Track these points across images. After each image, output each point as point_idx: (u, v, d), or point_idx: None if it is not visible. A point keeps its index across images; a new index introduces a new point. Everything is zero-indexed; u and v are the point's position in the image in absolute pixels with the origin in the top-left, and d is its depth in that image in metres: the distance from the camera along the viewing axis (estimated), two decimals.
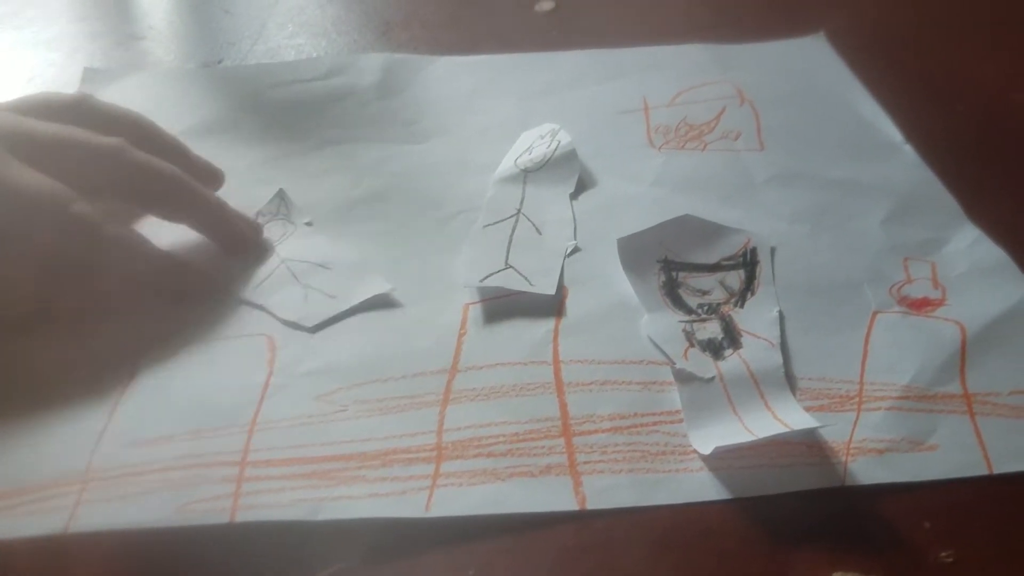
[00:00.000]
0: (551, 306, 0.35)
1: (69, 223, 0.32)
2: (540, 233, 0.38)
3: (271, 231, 0.38)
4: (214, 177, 0.39)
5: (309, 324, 0.34)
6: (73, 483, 0.28)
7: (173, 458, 0.29)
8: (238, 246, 0.37)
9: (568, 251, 0.37)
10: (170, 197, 0.36)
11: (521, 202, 0.40)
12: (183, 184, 0.36)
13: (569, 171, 0.41)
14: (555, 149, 0.42)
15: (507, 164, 0.42)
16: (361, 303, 0.34)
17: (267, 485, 0.28)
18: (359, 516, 0.27)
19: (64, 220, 0.32)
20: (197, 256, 0.36)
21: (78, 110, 0.36)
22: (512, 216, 0.39)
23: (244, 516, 0.27)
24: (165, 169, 0.35)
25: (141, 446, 0.29)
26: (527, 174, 0.41)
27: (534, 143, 0.43)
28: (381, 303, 0.35)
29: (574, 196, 0.40)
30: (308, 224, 0.38)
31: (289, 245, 0.37)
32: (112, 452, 0.29)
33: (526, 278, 0.35)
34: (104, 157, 0.34)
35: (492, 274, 0.36)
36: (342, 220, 0.39)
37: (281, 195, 0.39)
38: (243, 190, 0.39)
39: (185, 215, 0.36)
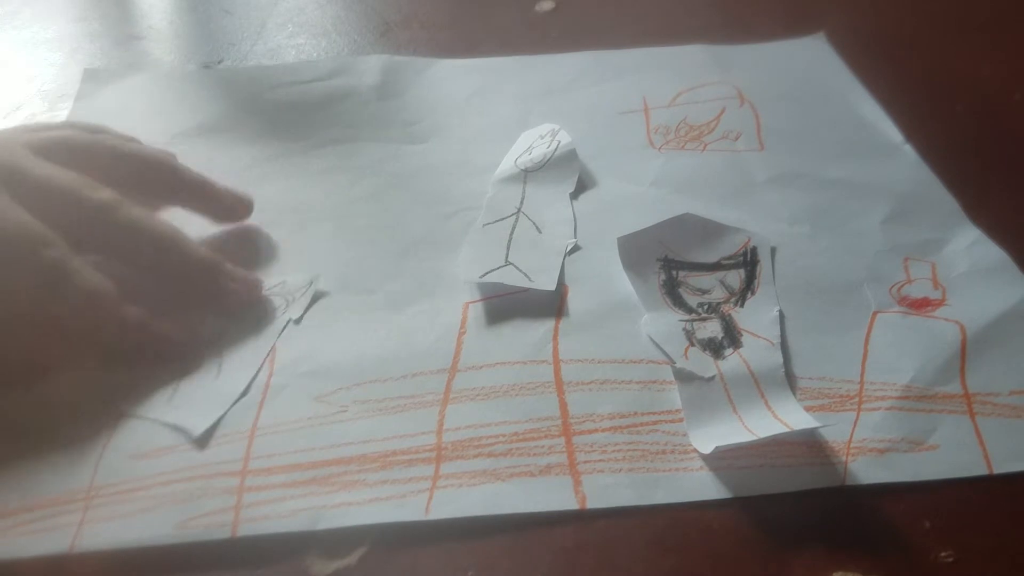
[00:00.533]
0: (551, 305, 0.35)
1: (39, 267, 0.31)
2: (540, 232, 0.38)
3: (275, 301, 0.35)
4: (242, 208, 0.39)
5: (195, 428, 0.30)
6: (78, 500, 0.28)
7: (175, 470, 0.29)
8: (233, 309, 0.35)
9: (568, 249, 0.37)
10: (162, 262, 0.34)
11: (521, 201, 0.40)
12: (181, 246, 0.35)
13: (569, 171, 0.41)
14: (555, 149, 0.42)
15: (507, 164, 0.42)
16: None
17: (268, 495, 0.28)
18: (359, 523, 0.27)
19: (34, 263, 0.31)
20: (176, 312, 0.34)
21: (93, 152, 0.36)
22: (512, 215, 0.39)
23: (245, 530, 0.27)
24: (158, 229, 0.34)
25: (143, 458, 0.29)
26: (527, 174, 0.41)
27: (534, 143, 0.43)
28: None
29: (574, 196, 0.40)
30: (296, 321, 0.34)
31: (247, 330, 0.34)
32: (115, 465, 0.29)
33: (526, 275, 0.35)
34: (96, 212, 0.33)
35: (492, 270, 0.36)
36: (342, 220, 0.39)
37: (311, 282, 0.36)
38: (245, 189, 0.39)
39: (181, 279, 0.35)
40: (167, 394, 0.31)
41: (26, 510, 0.27)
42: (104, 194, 0.33)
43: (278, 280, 0.36)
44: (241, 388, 0.31)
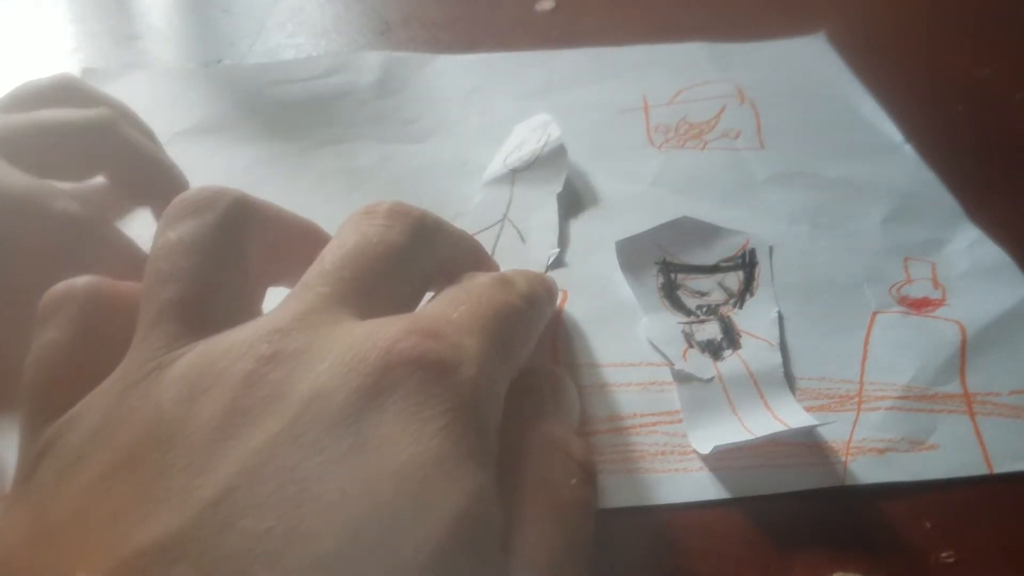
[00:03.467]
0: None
1: (52, 221, 0.30)
2: (524, 241, 0.38)
3: None
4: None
5: None
6: None
7: None
8: None
9: (550, 260, 0.37)
10: (156, 181, 0.34)
11: (508, 206, 0.39)
12: (170, 171, 0.35)
13: (557, 169, 0.41)
14: (544, 145, 0.42)
15: (496, 165, 0.42)
16: None
17: None
18: None
19: (46, 218, 0.30)
20: None
21: (63, 92, 0.35)
22: (498, 223, 0.39)
23: None
24: (151, 151, 0.35)
25: None
26: (515, 175, 0.41)
27: (526, 138, 0.43)
28: None
29: (565, 196, 0.40)
30: None
31: None
32: None
33: None
34: (90, 130, 0.33)
35: None
36: (341, 219, 0.39)
37: None
38: (244, 190, 0.39)
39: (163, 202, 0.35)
40: None
41: None
42: (98, 110, 0.33)
43: None
44: None
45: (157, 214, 0.36)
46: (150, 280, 0.22)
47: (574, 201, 0.40)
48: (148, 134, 0.38)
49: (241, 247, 0.24)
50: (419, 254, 0.25)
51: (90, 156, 0.33)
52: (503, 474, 0.20)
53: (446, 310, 0.23)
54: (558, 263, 0.37)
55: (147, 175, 0.35)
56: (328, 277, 0.23)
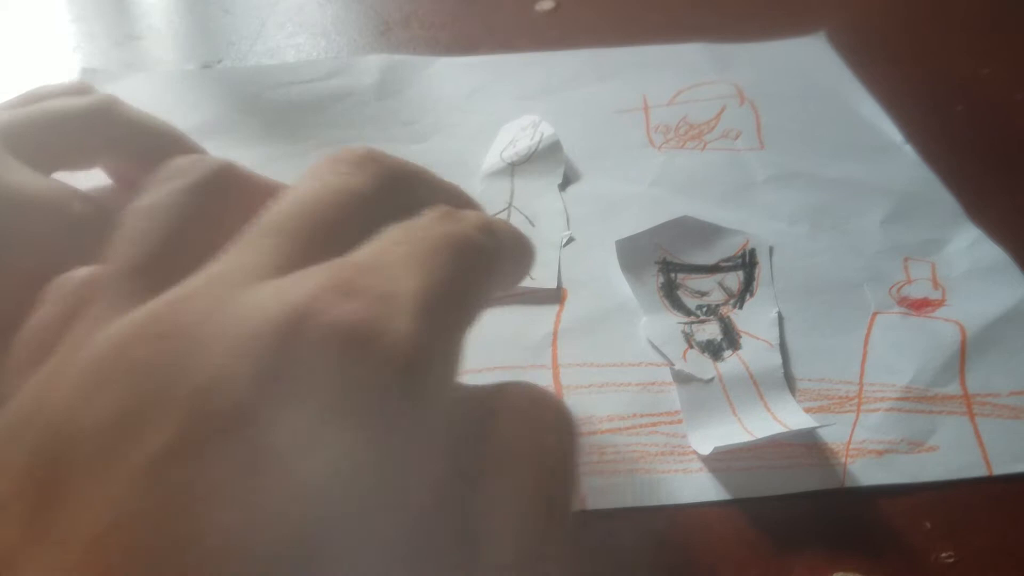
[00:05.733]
0: (549, 309, 0.35)
1: (73, 225, 0.30)
2: (533, 225, 0.38)
3: None
4: None
5: None
6: None
7: None
8: None
9: (564, 242, 0.37)
10: (165, 151, 0.34)
11: (511, 196, 0.40)
12: (176, 138, 0.34)
13: (555, 162, 0.41)
14: (539, 141, 0.42)
15: (492, 159, 0.42)
16: None
17: None
18: None
19: (67, 223, 0.30)
20: None
21: (73, 90, 0.34)
22: (504, 210, 0.39)
23: None
24: (156, 123, 0.34)
25: None
26: (514, 167, 0.41)
27: (516, 136, 0.43)
28: None
29: (565, 189, 0.40)
30: None
31: None
32: None
33: None
34: (93, 112, 0.32)
35: None
36: None
37: None
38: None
39: None
40: None
41: None
42: (98, 95, 0.33)
43: None
44: None
45: None
46: (109, 247, 0.19)
47: (574, 201, 0.40)
48: (194, 148, 0.37)
49: (213, 213, 0.20)
50: (390, 205, 0.20)
51: (95, 138, 0.32)
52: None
53: (380, 251, 0.18)
54: (570, 243, 0.37)
55: (157, 148, 0.34)
56: (267, 229, 0.18)
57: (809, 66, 0.50)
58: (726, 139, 0.44)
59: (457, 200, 0.24)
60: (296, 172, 0.44)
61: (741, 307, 0.34)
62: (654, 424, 0.30)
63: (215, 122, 0.46)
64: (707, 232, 0.37)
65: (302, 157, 0.43)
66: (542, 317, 0.34)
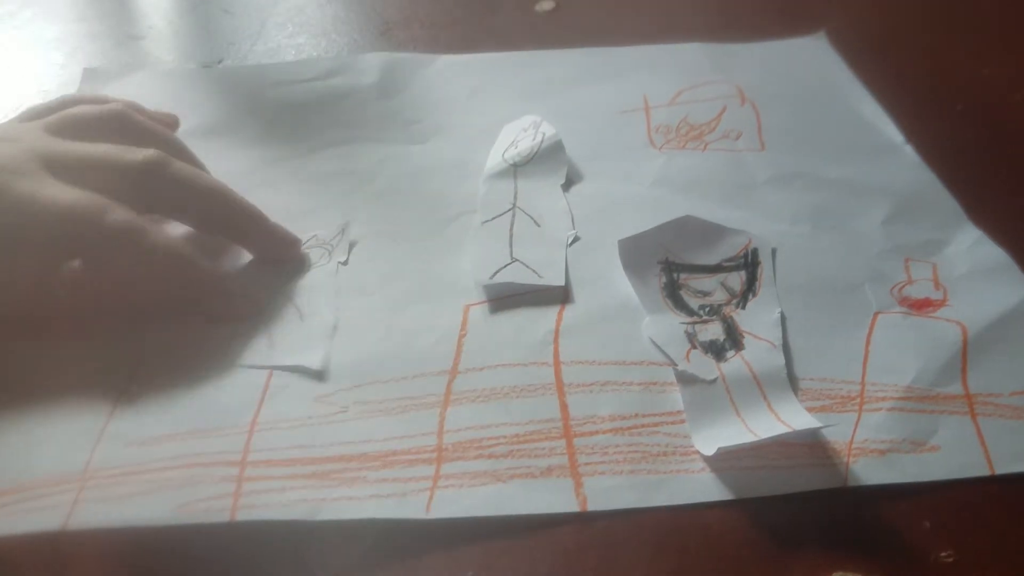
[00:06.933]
0: (552, 307, 0.35)
1: (109, 233, 0.31)
2: (539, 225, 0.38)
3: (314, 252, 0.37)
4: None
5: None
6: (72, 481, 0.28)
7: (173, 458, 0.29)
8: (279, 260, 0.37)
9: (570, 241, 0.37)
10: (216, 211, 0.35)
11: (515, 196, 0.40)
12: (225, 197, 0.36)
13: (558, 163, 0.41)
14: (541, 141, 0.42)
15: (495, 159, 0.42)
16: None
17: (267, 485, 0.28)
18: (359, 517, 0.27)
19: (103, 230, 0.31)
20: (238, 272, 0.36)
21: (115, 126, 0.36)
22: (508, 211, 0.39)
23: (244, 515, 0.27)
24: (208, 181, 0.35)
25: (141, 446, 0.29)
26: (516, 168, 0.41)
27: (518, 136, 0.43)
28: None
29: (568, 190, 0.40)
30: (343, 263, 0.37)
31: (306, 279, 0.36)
32: (111, 451, 0.29)
33: (534, 270, 0.36)
34: (143, 172, 0.33)
35: (500, 269, 0.36)
36: (343, 222, 0.39)
37: (344, 229, 0.38)
38: (245, 193, 0.39)
39: (229, 229, 0.36)
40: (264, 344, 0.33)
41: (17, 490, 0.27)
42: (146, 153, 0.34)
43: (310, 235, 0.38)
44: (331, 323, 0.34)
45: (234, 241, 0.37)
46: None
47: (575, 201, 0.40)
48: (195, 162, 0.38)
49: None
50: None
51: (141, 197, 0.34)
52: None
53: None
54: (575, 242, 0.37)
55: (209, 210, 0.35)
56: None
57: (810, 66, 0.50)
58: (727, 139, 0.44)
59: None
60: (297, 172, 0.44)
61: (744, 307, 0.34)
62: (656, 424, 0.30)
63: (216, 122, 0.46)
64: (709, 232, 0.37)
65: (303, 160, 0.43)
66: (544, 315, 0.34)
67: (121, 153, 0.34)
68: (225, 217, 0.36)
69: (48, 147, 0.33)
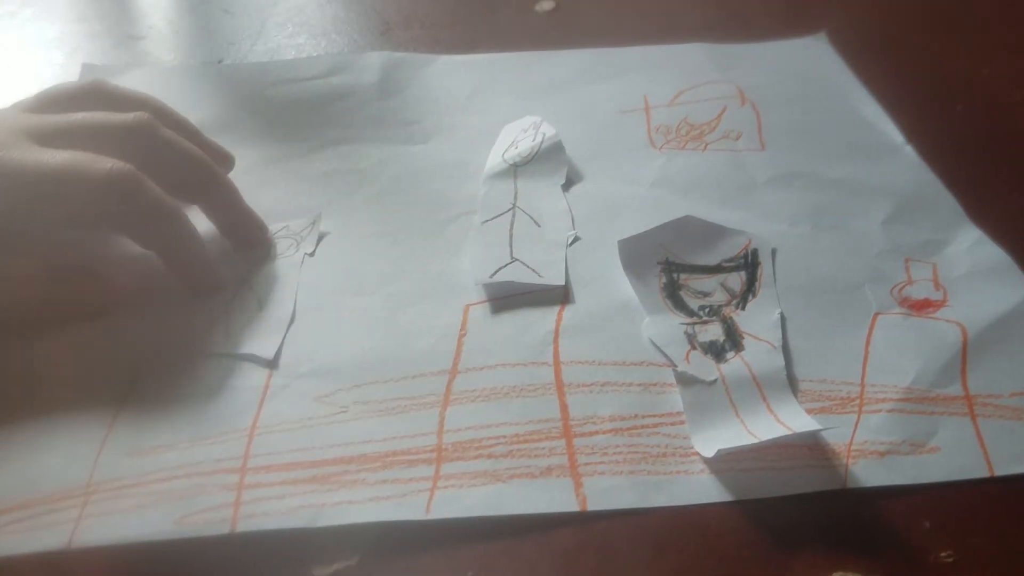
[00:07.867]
0: (552, 307, 0.35)
1: (105, 180, 0.31)
2: (539, 225, 0.38)
3: (282, 242, 0.38)
4: (225, 160, 0.40)
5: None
6: (76, 496, 0.28)
7: (174, 467, 0.29)
8: (246, 240, 0.37)
9: (569, 241, 0.37)
10: (197, 178, 0.36)
11: (515, 196, 0.40)
12: (209, 167, 0.36)
13: (558, 163, 0.41)
14: (541, 142, 0.42)
15: (495, 160, 0.42)
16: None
17: (268, 492, 0.28)
18: (360, 521, 0.27)
19: (100, 176, 0.31)
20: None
21: (94, 96, 0.36)
22: (508, 211, 0.39)
23: (245, 526, 0.27)
24: (193, 149, 0.35)
25: (142, 455, 0.29)
26: (516, 168, 0.41)
27: (518, 137, 0.43)
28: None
29: (568, 190, 0.40)
30: (310, 255, 0.37)
31: (269, 268, 0.37)
32: (113, 462, 0.29)
33: (534, 270, 0.36)
34: (134, 134, 0.33)
35: (500, 268, 0.36)
36: (343, 226, 0.39)
37: (315, 220, 0.39)
38: (245, 192, 0.38)
39: (206, 199, 0.36)
40: (222, 332, 0.33)
41: (22, 507, 0.27)
42: (137, 114, 0.34)
43: (280, 225, 0.39)
44: (288, 314, 0.34)
45: (206, 212, 0.37)
46: None
47: (575, 201, 0.40)
48: (185, 126, 0.38)
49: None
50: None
51: (127, 158, 0.33)
52: None
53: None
54: (575, 242, 0.38)
55: (191, 176, 0.36)
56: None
57: (810, 66, 0.50)
58: (727, 140, 0.44)
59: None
60: (298, 171, 0.44)
61: (743, 308, 0.34)
62: (656, 425, 0.30)
63: (216, 121, 0.45)
64: (709, 232, 0.37)
65: (302, 159, 0.43)
66: (544, 315, 0.34)
67: (107, 116, 0.34)
68: (203, 184, 0.36)
69: (31, 121, 0.33)
